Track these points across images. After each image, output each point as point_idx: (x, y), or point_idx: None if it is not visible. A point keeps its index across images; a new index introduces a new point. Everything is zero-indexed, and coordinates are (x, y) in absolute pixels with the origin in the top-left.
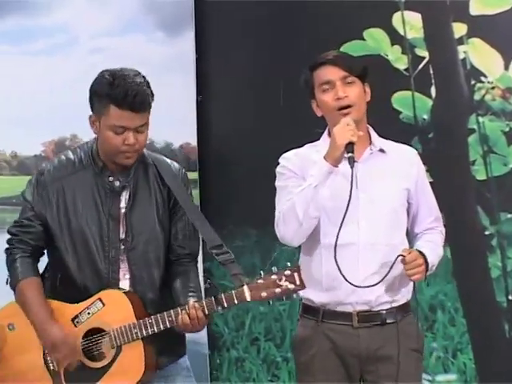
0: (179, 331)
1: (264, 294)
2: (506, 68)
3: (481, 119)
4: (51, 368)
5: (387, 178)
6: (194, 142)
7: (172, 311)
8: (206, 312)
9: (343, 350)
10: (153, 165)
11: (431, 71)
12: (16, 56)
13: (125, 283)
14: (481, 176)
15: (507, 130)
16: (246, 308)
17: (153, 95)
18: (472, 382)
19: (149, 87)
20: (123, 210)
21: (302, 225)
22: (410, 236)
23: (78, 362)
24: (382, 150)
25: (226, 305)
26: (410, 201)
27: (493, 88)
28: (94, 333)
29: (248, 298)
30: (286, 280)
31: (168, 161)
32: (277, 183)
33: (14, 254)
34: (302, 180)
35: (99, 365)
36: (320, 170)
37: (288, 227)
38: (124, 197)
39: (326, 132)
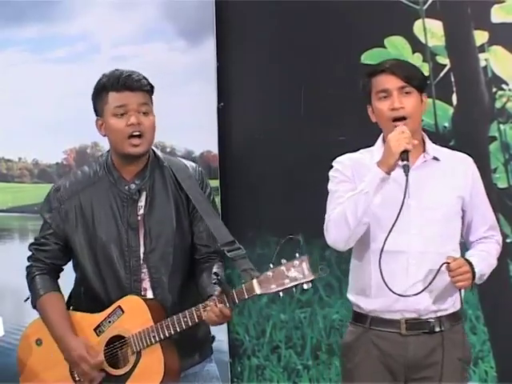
0: (212, 325)
1: (273, 287)
2: None
3: (502, 127)
4: (77, 379)
5: (440, 186)
6: (215, 149)
7: (187, 312)
8: (223, 311)
9: (390, 358)
10: (168, 167)
11: (452, 79)
12: (37, 64)
13: (150, 293)
14: (502, 184)
15: None
16: (267, 316)
17: (152, 87)
18: None
19: (146, 79)
20: (141, 217)
21: (351, 230)
22: (466, 244)
23: (101, 371)
24: (435, 158)
25: (237, 300)
26: (464, 209)
27: None
28: (116, 340)
29: (258, 292)
30: (294, 271)
31: (183, 161)
32: (329, 186)
33: (32, 273)
34: (354, 184)
35: (121, 372)
36: (373, 176)
37: (338, 232)
38: (142, 202)
39: (380, 138)
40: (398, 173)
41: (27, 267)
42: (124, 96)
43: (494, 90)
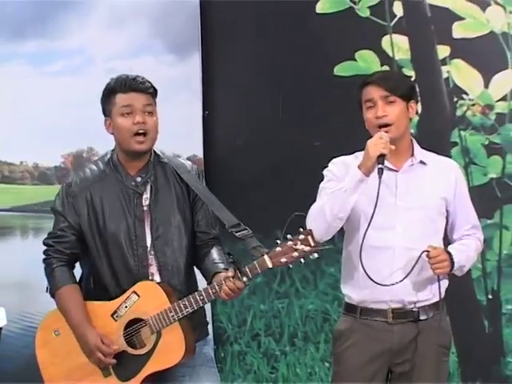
0: (228, 299)
1: (284, 260)
2: (486, 86)
3: (462, 133)
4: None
5: (425, 187)
6: (200, 154)
7: (202, 290)
8: (238, 285)
9: (377, 344)
10: (169, 163)
11: (417, 89)
12: (37, 76)
13: (157, 277)
14: None
15: (486, 143)
16: (248, 306)
17: (156, 90)
18: (455, 372)
19: (150, 82)
20: (147, 208)
21: (328, 223)
22: (450, 242)
23: (122, 352)
24: (422, 162)
25: (250, 275)
26: (448, 209)
27: (473, 105)
28: (134, 323)
29: (270, 265)
30: (301, 244)
31: (181, 160)
32: (320, 184)
33: (52, 264)
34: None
35: (142, 351)
36: (352, 177)
37: (317, 223)
38: (147, 195)
39: None
40: (386, 175)
41: (45, 259)
42: (130, 97)
43: (455, 99)
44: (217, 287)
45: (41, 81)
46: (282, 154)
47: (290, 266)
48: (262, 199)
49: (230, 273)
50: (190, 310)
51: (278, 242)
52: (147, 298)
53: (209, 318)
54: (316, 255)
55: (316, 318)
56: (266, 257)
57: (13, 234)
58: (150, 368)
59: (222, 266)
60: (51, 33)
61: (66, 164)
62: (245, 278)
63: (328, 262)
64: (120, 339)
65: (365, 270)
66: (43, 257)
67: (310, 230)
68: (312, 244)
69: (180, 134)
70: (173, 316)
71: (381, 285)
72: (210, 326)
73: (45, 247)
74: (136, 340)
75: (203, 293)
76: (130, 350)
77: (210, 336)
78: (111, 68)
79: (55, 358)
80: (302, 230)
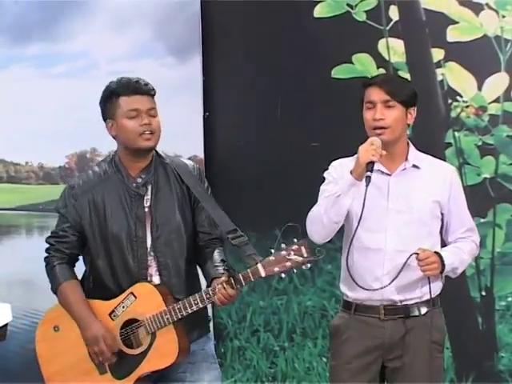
0: (220, 305)
1: (276, 269)
2: (479, 89)
3: (457, 134)
4: (95, 359)
5: (417, 191)
6: (201, 154)
7: (197, 295)
8: (230, 293)
9: (370, 339)
10: (170, 164)
11: None
12: (41, 79)
13: (156, 278)
14: None
15: (480, 143)
16: (248, 303)
17: (155, 91)
18: (449, 367)
19: (150, 84)
20: (148, 209)
21: (324, 226)
22: (446, 244)
23: (118, 351)
24: (415, 166)
25: (243, 282)
26: (442, 211)
27: (467, 106)
28: (130, 323)
29: (263, 274)
30: (294, 254)
31: (183, 160)
32: (321, 186)
33: (52, 262)
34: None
35: (138, 351)
36: (344, 182)
37: (314, 226)
38: (148, 196)
39: None
40: (379, 179)
41: (46, 258)
42: (135, 100)
43: (450, 101)
44: (211, 293)
45: (45, 83)
46: (279, 154)
47: (283, 276)
48: (261, 199)
49: (224, 278)
50: (185, 314)
51: (272, 251)
52: (143, 300)
53: (209, 315)
54: (309, 265)
55: (314, 315)
56: (259, 265)
57: (18, 232)
58: (144, 368)
59: (221, 269)
60: (54, 36)
61: (70, 164)
62: (238, 286)
63: (326, 259)
64: (116, 338)
65: (350, 274)
66: (45, 255)
67: (304, 240)
68: (305, 255)
69: (181, 134)
70: (168, 318)
71: (364, 289)
72: (210, 323)
73: (47, 245)
74: (132, 340)
75: (198, 298)
76: (126, 350)
77: (212, 332)
78: (114, 70)
79: (54, 353)
80: (296, 240)
